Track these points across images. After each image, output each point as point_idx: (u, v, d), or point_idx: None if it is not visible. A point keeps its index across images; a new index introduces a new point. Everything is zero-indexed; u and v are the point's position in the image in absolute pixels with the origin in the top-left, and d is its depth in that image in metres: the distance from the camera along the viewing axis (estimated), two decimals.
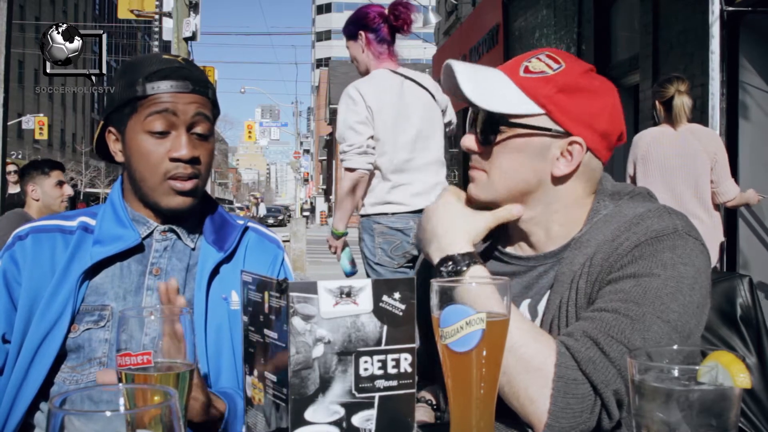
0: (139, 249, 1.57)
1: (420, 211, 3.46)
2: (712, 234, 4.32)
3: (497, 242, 1.45)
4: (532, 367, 1.18)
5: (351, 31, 3.68)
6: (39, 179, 4.60)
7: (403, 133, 3.51)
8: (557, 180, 1.34)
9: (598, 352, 1.19)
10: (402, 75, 3.61)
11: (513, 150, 1.32)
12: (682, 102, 4.33)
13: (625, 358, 1.17)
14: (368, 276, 3.61)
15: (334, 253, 3.85)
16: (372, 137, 3.48)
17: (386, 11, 3.65)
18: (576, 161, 1.32)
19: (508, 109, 1.30)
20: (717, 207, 4.42)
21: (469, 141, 1.36)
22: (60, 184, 4.66)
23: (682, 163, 4.30)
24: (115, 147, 1.60)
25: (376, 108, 3.47)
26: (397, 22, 3.60)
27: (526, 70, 1.33)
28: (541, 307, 1.34)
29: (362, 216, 3.63)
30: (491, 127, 1.32)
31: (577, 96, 1.31)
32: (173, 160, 1.51)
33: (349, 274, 3.86)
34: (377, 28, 3.60)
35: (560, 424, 1.16)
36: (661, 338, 1.19)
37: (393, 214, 3.50)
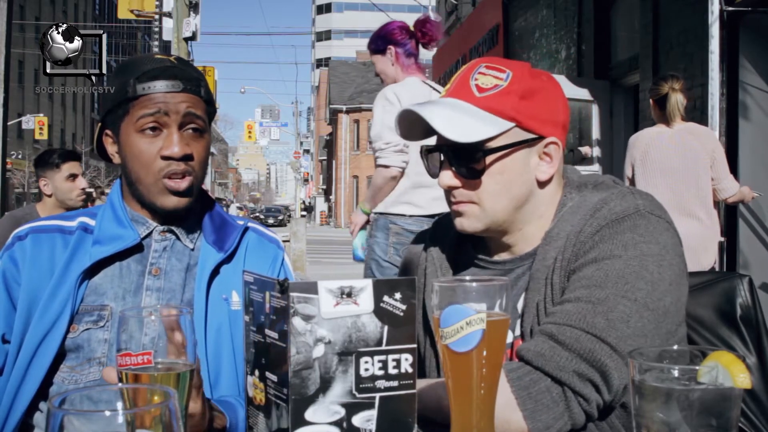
0: (138, 249, 1.57)
1: (435, 215, 3.55)
2: (712, 234, 4.32)
3: (474, 249, 1.44)
4: None
5: (379, 45, 3.78)
6: (50, 173, 4.18)
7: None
8: (543, 183, 1.35)
9: (548, 343, 1.19)
10: (429, 85, 3.75)
11: (497, 172, 1.31)
12: (677, 99, 4.33)
13: (582, 341, 1.17)
14: (372, 273, 3.68)
15: (353, 231, 3.91)
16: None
17: (410, 26, 3.77)
18: (557, 160, 1.33)
19: (481, 135, 1.29)
20: (716, 206, 4.42)
21: (447, 178, 1.33)
22: (72, 177, 4.20)
23: (682, 163, 4.29)
24: (111, 149, 1.60)
25: None
26: (424, 39, 3.73)
27: (480, 89, 1.31)
28: (519, 306, 1.34)
29: (378, 214, 3.69)
30: (469, 158, 1.31)
31: (535, 98, 1.31)
32: (165, 158, 1.51)
33: (357, 259, 3.91)
34: (404, 43, 3.72)
35: (543, 421, 1.16)
36: (629, 317, 1.18)
37: (410, 216, 3.58)
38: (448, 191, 1.36)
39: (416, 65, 3.76)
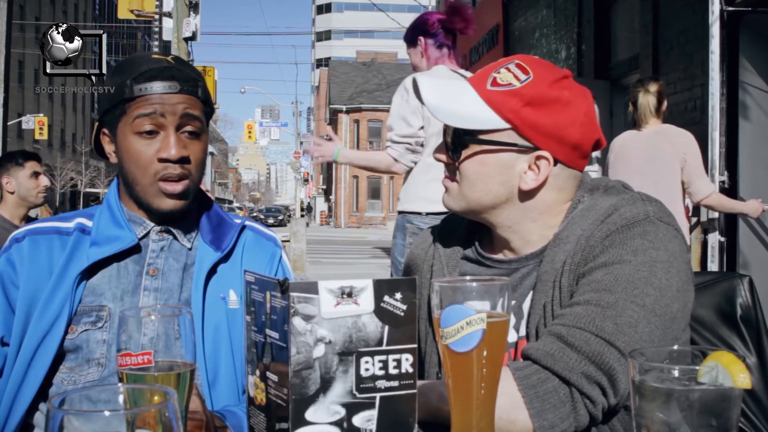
0: (136, 249, 1.57)
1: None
2: None
3: (480, 247, 1.45)
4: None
5: (411, 36, 3.68)
6: (13, 171, 4.37)
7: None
8: (526, 193, 1.34)
9: (557, 344, 1.19)
10: (460, 74, 3.61)
11: (479, 164, 1.33)
12: (647, 101, 4.27)
13: (591, 344, 1.18)
14: (393, 275, 3.56)
15: (311, 153, 3.80)
16: (422, 128, 3.45)
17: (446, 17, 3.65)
18: (543, 175, 1.31)
19: (471, 124, 1.30)
20: (687, 213, 4.30)
21: (439, 151, 1.38)
22: (35, 175, 4.42)
23: (647, 166, 4.22)
24: (109, 148, 1.60)
25: None
26: (451, 25, 3.59)
27: (494, 82, 1.31)
28: (525, 306, 1.33)
29: (399, 212, 3.58)
30: (458, 141, 1.33)
31: (544, 109, 1.29)
32: (162, 160, 1.51)
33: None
34: (436, 34, 3.60)
35: (549, 421, 1.16)
36: (637, 322, 1.18)
37: (426, 214, 3.45)
38: None
39: (449, 56, 3.61)
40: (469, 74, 3.70)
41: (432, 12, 3.79)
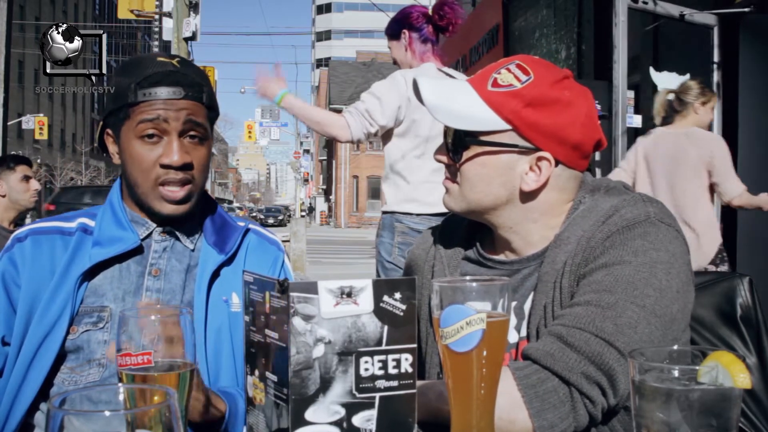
0: (138, 250, 1.57)
1: (443, 214, 3.34)
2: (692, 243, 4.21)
3: (481, 248, 1.44)
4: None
5: (394, 29, 3.59)
6: (4, 174, 4.43)
7: (440, 125, 3.40)
8: (527, 194, 1.33)
9: (557, 344, 1.19)
10: (446, 73, 3.55)
11: (480, 165, 1.32)
12: (658, 100, 4.36)
13: (591, 344, 1.18)
14: (378, 275, 3.50)
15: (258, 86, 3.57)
16: (383, 127, 3.38)
17: (430, 11, 3.56)
18: (544, 176, 1.31)
19: (472, 126, 1.30)
20: (706, 213, 4.29)
21: (439, 152, 1.38)
22: (26, 178, 4.47)
23: (665, 167, 4.23)
24: (112, 149, 1.60)
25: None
26: (441, 22, 3.50)
27: (495, 83, 1.31)
28: (526, 307, 1.33)
29: (384, 213, 3.52)
30: (459, 142, 1.33)
31: (545, 109, 1.29)
32: (164, 166, 1.51)
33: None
34: (420, 28, 3.51)
35: (548, 420, 1.16)
36: (636, 323, 1.18)
37: (417, 215, 3.39)
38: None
39: (433, 52, 3.54)
40: (455, 72, 3.64)
41: (415, 5, 3.69)
